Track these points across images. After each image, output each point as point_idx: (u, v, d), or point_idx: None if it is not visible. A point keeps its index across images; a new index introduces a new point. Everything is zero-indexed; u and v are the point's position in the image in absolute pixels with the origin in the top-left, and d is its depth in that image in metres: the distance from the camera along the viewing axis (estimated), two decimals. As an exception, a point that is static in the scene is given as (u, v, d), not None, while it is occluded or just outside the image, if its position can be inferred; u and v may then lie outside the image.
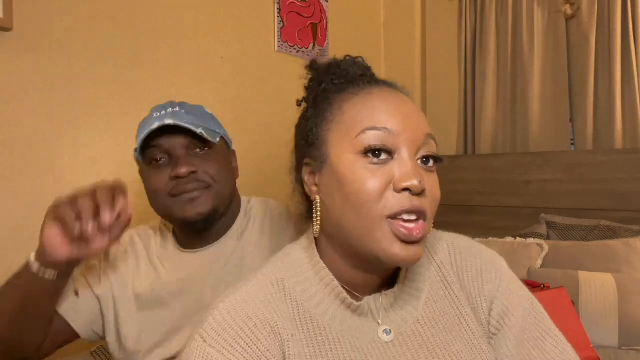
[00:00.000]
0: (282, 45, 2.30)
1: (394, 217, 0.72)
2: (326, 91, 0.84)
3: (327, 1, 2.56)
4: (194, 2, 1.93)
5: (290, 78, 2.32)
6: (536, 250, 2.11)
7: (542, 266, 2.06)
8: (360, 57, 0.88)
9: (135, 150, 1.14)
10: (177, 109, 1.16)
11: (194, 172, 1.12)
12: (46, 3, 1.51)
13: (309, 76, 0.91)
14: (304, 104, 0.90)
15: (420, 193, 0.73)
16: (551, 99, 2.65)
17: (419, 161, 0.76)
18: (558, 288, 1.67)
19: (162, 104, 1.19)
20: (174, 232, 1.27)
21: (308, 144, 0.83)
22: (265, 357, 0.73)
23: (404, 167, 0.73)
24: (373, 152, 0.74)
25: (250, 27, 2.17)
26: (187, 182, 1.11)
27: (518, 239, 2.24)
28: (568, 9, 2.55)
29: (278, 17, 2.28)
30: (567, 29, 2.61)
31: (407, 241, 0.72)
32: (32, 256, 1.01)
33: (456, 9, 2.95)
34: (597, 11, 2.51)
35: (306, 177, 0.84)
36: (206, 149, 1.16)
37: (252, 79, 2.16)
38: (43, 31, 1.50)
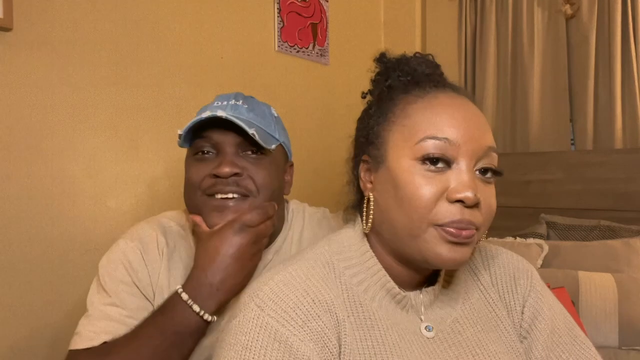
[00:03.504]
0: (282, 45, 2.29)
1: (442, 225, 0.73)
2: (391, 88, 0.84)
3: (327, 1, 2.55)
4: (195, 3, 1.93)
5: (291, 78, 2.34)
6: (536, 250, 2.10)
7: (542, 266, 2.05)
8: (430, 54, 0.88)
9: (180, 136, 1.05)
10: (241, 102, 1.09)
11: (237, 175, 1.03)
12: (46, 3, 1.50)
13: (377, 69, 0.90)
14: (368, 97, 0.90)
15: (473, 205, 0.74)
16: (551, 99, 2.65)
17: (477, 172, 0.77)
18: (558, 288, 1.70)
19: (228, 93, 1.13)
20: None
21: (368, 141, 0.84)
22: (325, 334, 0.73)
23: (460, 178, 0.74)
24: (431, 160, 0.74)
25: (251, 27, 2.16)
26: (226, 183, 1.03)
27: (518, 239, 2.23)
28: (568, 9, 2.55)
29: (278, 17, 2.27)
30: (567, 29, 2.61)
31: (455, 242, 0.73)
32: (186, 296, 0.97)
33: (456, 8, 2.94)
34: (597, 11, 2.51)
35: (362, 174, 0.85)
36: (260, 153, 1.07)
37: (252, 79, 2.15)
38: (43, 31, 1.50)
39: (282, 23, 2.29)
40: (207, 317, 0.97)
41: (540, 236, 2.27)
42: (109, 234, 1.63)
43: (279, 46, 2.28)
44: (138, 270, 1.07)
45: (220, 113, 1.01)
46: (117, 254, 1.09)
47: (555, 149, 2.60)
